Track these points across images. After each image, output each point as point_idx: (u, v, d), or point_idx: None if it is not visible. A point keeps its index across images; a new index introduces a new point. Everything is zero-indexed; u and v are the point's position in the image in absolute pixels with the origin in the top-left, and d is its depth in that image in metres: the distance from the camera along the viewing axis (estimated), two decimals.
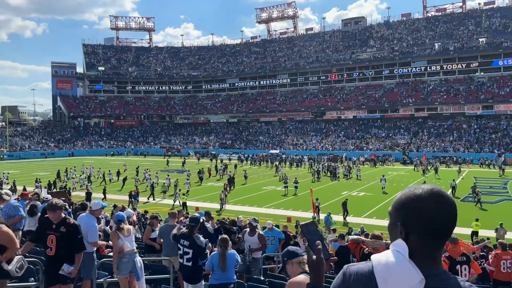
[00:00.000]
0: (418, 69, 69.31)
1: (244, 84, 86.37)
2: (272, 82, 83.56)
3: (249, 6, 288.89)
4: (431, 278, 1.16)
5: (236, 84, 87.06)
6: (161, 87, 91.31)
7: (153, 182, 30.61)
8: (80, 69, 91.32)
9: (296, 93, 79.26)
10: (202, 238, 5.64)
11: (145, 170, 36.91)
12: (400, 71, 70.73)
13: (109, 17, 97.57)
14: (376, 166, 48.25)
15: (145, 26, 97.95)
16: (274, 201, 26.30)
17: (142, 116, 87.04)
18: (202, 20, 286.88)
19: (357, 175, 38.11)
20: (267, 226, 9.93)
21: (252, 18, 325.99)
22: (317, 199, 21.74)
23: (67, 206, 6.79)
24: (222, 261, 5.51)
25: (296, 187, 29.96)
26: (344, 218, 20.91)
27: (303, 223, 1.68)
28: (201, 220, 6.68)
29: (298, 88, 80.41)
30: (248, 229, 8.53)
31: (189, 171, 37.97)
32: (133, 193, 25.01)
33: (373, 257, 1.24)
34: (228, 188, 28.62)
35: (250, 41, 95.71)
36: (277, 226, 11.49)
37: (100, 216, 8.03)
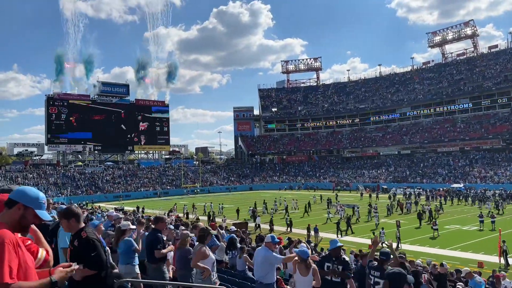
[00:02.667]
0: None
1: (417, 112, 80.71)
2: (450, 108, 75.77)
3: (418, 31, 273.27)
4: None
5: (408, 114, 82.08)
6: (328, 122, 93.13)
7: (347, 215, 30.67)
8: (256, 112, 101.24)
9: (481, 118, 69.67)
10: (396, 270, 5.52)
11: (337, 202, 38.48)
12: None
13: (281, 62, 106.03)
14: None
15: (313, 66, 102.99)
16: (461, 242, 23.09)
17: (311, 152, 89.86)
18: (369, 52, 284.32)
19: None
20: (464, 273, 8.65)
21: (423, 43, 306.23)
22: (503, 242, 18.26)
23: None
24: None
25: (493, 221, 26.64)
26: None
27: None
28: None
29: (484, 112, 70.62)
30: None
31: (342, 206, 36.83)
32: (315, 226, 25.47)
33: None
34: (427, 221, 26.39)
35: (422, 67, 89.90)
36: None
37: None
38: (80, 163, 77.80)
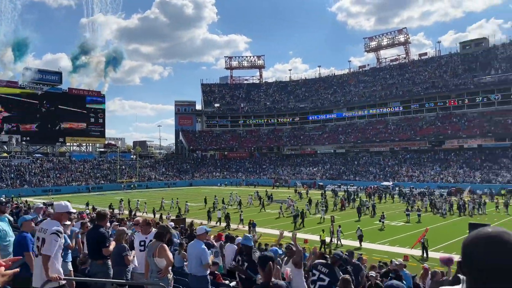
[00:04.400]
0: None
1: (352, 114, 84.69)
2: (382, 110, 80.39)
3: (356, 36, 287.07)
4: None
5: (344, 114, 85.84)
6: (270, 120, 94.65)
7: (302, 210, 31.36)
8: (198, 106, 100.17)
9: (410, 121, 74.77)
10: (341, 273, 5.52)
11: (288, 197, 39.73)
12: None
13: (224, 58, 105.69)
14: None
15: (256, 64, 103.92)
16: (389, 237, 24.66)
17: (253, 148, 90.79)
18: (310, 54, 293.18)
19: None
20: (396, 263, 9.14)
21: (360, 47, 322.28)
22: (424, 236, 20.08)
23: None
24: None
25: (419, 215, 30.45)
26: None
27: None
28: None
29: (412, 115, 75.82)
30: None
31: (293, 201, 37.87)
32: (252, 221, 25.86)
33: None
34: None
35: (358, 70, 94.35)
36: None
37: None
38: (5, 154, 71.74)
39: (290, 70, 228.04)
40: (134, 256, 6.38)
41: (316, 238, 22.56)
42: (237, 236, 10.96)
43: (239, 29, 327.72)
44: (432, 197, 41.82)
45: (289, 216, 31.80)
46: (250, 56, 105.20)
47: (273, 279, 3.76)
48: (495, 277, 1.16)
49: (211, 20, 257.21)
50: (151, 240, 5.97)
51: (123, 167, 76.64)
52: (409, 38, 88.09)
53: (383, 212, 29.43)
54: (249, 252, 6.21)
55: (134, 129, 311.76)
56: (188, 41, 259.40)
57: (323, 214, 31.22)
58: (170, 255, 5.51)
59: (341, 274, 5.52)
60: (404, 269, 9.13)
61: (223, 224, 28.38)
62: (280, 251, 6.53)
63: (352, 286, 5.34)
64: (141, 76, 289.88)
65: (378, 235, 25.10)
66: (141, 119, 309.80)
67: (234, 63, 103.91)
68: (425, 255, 19.41)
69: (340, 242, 22.42)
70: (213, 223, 29.72)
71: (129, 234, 8.16)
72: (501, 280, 1.16)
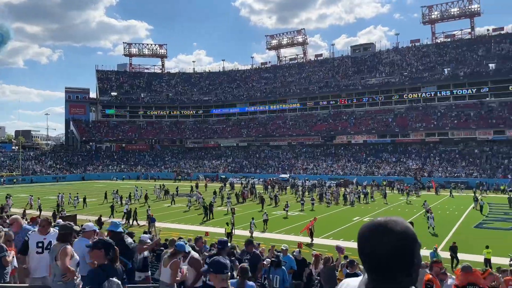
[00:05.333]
0: (428, 94, 69.32)
1: (254, 108, 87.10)
2: (281, 107, 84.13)
3: (259, 33, 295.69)
4: None
5: (246, 109, 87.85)
6: (172, 112, 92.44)
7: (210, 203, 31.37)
8: (93, 95, 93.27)
9: (306, 118, 79.57)
10: (229, 262, 5.66)
11: (196, 190, 40.90)
12: (410, 96, 70.80)
13: (123, 44, 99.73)
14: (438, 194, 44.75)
15: (158, 53, 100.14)
16: (285, 226, 26.02)
17: (153, 141, 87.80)
18: (214, 47, 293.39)
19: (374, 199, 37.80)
20: (283, 248, 9.83)
21: (262, 45, 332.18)
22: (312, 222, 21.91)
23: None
24: None
25: (313, 204, 33.47)
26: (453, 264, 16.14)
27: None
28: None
29: (308, 112, 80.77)
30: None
31: (201, 194, 38.01)
32: (151, 215, 25.08)
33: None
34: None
35: (260, 66, 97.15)
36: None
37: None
38: None
39: (194, 61, 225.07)
40: (13, 257, 5.73)
41: (222, 230, 22.92)
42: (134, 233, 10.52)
43: (140, 15, 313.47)
44: (322, 188, 45.21)
45: (197, 209, 32.67)
46: (151, 44, 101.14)
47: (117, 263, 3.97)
48: (381, 265, 1.20)
49: (108, 3, 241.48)
50: (50, 241, 5.40)
51: (3, 159, 68.25)
52: (307, 39, 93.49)
53: (287, 202, 31.15)
54: (120, 239, 6.06)
55: (17, 117, 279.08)
56: (82, 23, 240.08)
57: (229, 206, 31.73)
58: (68, 260, 5.03)
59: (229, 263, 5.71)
60: (288, 254, 9.90)
61: (131, 220, 27.06)
62: (188, 247, 6.47)
63: (249, 275, 5.50)
64: (25, 59, 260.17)
65: (277, 225, 26.31)
66: (25, 106, 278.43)
67: (134, 50, 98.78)
68: (312, 241, 21.03)
69: (252, 234, 22.60)
70: (117, 219, 28.22)
71: (6, 231, 7.31)
72: (387, 268, 1.19)
